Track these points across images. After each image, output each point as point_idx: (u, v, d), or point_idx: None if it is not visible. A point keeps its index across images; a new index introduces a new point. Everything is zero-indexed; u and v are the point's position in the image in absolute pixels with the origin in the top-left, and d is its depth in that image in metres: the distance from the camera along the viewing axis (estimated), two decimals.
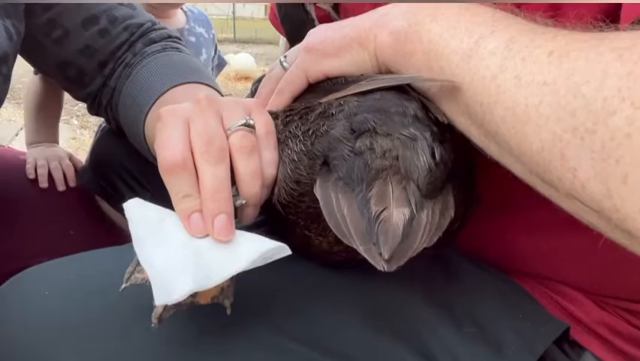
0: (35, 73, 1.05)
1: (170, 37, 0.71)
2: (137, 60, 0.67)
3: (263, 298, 0.43)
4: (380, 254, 0.32)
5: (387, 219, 0.33)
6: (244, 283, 0.38)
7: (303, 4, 0.58)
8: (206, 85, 0.63)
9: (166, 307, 0.34)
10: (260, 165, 0.39)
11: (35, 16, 0.63)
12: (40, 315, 0.40)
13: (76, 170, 1.03)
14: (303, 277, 0.45)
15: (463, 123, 0.37)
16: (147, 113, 0.61)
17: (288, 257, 0.36)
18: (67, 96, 1.12)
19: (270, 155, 0.41)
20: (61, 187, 0.98)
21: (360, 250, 0.33)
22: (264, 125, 0.41)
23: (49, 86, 1.08)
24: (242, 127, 0.39)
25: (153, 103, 0.60)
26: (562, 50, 0.30)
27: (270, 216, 0.45)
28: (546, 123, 0.29)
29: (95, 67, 0.68)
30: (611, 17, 0.34)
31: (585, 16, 0.34)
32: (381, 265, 0.32)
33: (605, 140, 0.26)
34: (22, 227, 0.90)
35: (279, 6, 0.62)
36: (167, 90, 0.61)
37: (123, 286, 0.37)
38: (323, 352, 0.39)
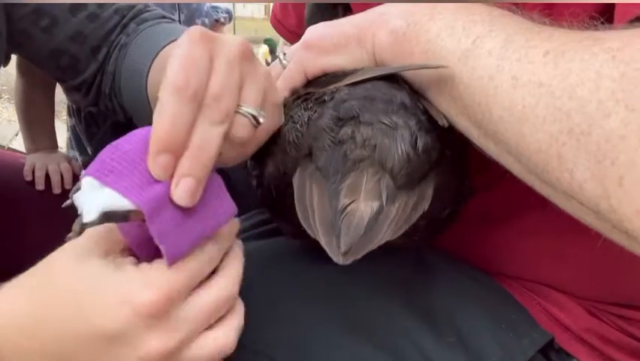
0: (4, 65, 1.02)
1: (164, 17, 0.71)
2: (131, 39, 0.66)
3: None
4: (339, 247, 0.32)
5: (353, 212, 0.33)
6: None
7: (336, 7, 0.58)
8: None
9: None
10: (231, 160, 0.38)
11: (19, 6, 0.62)
12: None
13: (74, 173, 1.02)
14: (282, 284, 0.45)
15: (462, 124, 0.37)
16: (148, 74, 0.59)
17: (262, 263, 0.35)
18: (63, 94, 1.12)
19: (249, 152, 0.39)
20: (57, 190, 0.97)
21: (322, 241, 0.32)
22: (268, 127, 0.39)
23: (36, 90, 1.06)
24: (249, 116, 0.35)
25: (152, 61, 0.59)
26: (557, 50, 0.30)
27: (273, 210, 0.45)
28: (543, 124, 0.29)
29: (88, 53, 0.67)
30: (605, 16, 0.34)
31: (580, 15, 0.34)
32: (337, 258, 0.31)
33: (600, 142, 0.27)
34: (19, 230, 0.90)
35: (312, 11, 0.61)
36: (165, 46, 0.60)
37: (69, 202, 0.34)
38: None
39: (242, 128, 0.35)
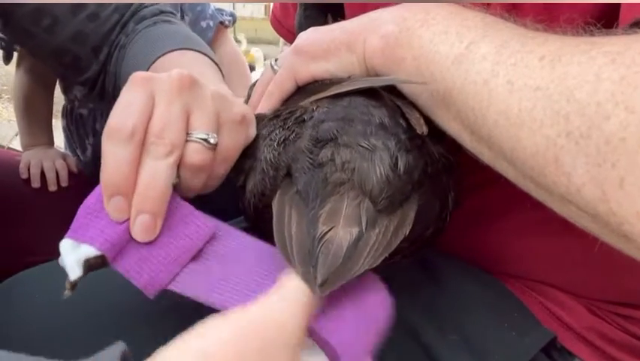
0: (6, 63, 1.02)
1: (162, 12, 0.70)
2: (130, 39, 0.66)
3: None
4: (315, 278, 0.30)
5: (331, 240, 0.32)
6: None
7: (326, 16, 0.58)
8: (199, 52, 0.61)
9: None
10: (201, 184, 0.37)
11: (21, 5, 0.62)
12: (30, 319, 0.40)
13: (70, 170, 1.02)
14: None
15: (454, 129, 0.37)
16: None
17: None
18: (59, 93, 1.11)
19: (221, 173, 0.39)
20: (52, 187, 0.98)
21: (298, 271, 0.31)
22: (231, 145, 0.39)
23: (36, 87, 1.06)
24: (200, 141, 0.36)
25: (148, 69, 0.59)
26: (554, 54, 0.30)
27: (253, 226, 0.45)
28: (540, 128, 0.29)
29: (89, 52, 0.67)
30: (602, 21, 0.34)
31: (577, 20, 0.34)
32: (314, 289, 0.30)
33: (599, 144, 0.26)
34: (17, 228, 0.90)
35: (303, 16, 0.61)
36: (158, 58, 0.59)
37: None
38: None
39: (195, 155, 0.36)
